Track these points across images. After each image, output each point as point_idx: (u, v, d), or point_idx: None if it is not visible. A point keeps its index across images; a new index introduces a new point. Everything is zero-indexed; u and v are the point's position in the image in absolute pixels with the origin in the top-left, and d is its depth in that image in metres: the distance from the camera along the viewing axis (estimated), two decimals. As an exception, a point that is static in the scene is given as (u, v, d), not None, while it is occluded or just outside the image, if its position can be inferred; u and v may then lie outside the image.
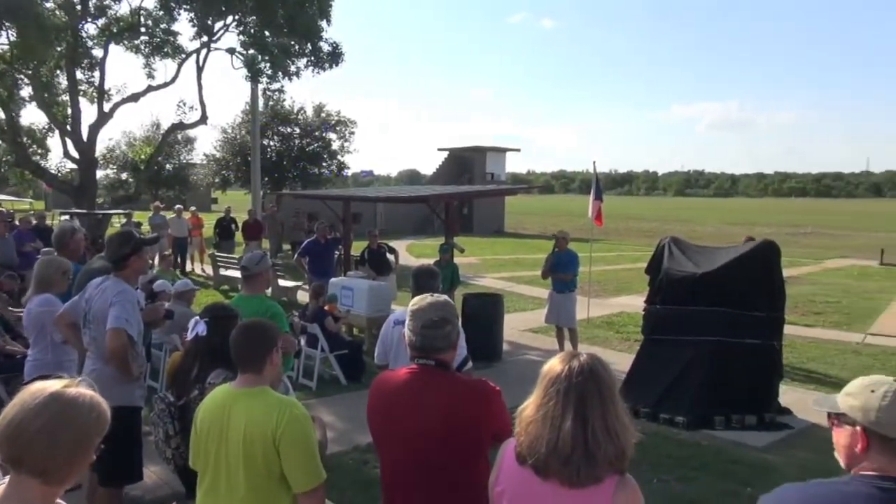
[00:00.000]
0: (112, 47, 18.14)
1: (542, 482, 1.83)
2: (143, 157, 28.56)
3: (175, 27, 18.40)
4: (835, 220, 51.02)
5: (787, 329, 7.60)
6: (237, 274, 11.51)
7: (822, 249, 26.66)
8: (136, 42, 18.24)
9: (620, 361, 7.94)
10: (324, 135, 27.87)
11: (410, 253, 22.69)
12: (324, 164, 28.24)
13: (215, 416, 2.50)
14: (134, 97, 18.68)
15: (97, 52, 18.32)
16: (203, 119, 19.35)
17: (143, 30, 18.11)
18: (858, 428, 1.65)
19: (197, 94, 18.89)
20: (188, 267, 16.97)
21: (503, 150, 38.94)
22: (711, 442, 6.06)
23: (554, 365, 1.90)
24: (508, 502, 1.94)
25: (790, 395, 7.28)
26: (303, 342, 7.72)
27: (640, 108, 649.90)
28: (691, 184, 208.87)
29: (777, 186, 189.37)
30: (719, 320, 6.67)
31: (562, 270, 8.86)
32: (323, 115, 28.12)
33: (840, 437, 1.70)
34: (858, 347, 10.02)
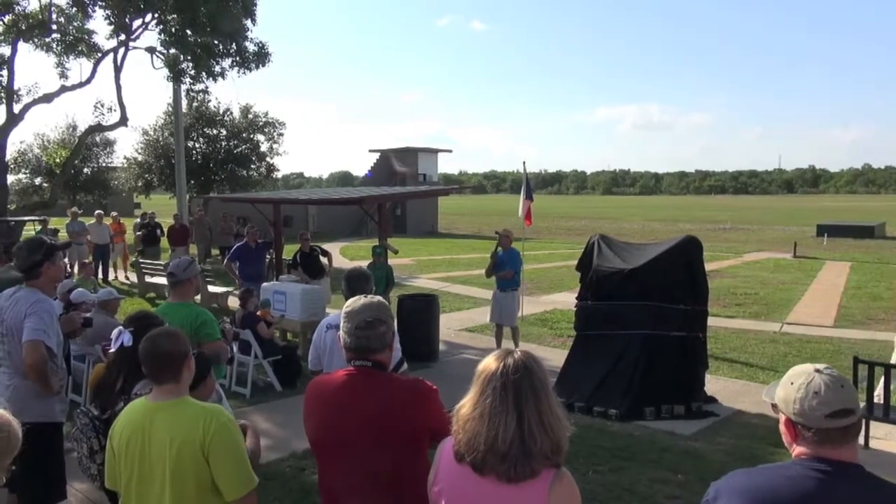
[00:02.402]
0: (21, 45, 17.21)
1: (479, 479, 1.85)
2: (58, 160, 27.22)
3: (90, 25, 17.62)
4: (751, 216, 53.54)
5: (711, 321, 7.92)
6: (163, 281, 11.15)
7: (740, 244, 27.91)
8: (47, 40, 17.38)
9: (554, 357, 8.11)
10: (252, 136, 27.28)
11: (344, 255, 22.48)
12: (252, 166, 27.63)
13: (133, 433, 2.42)
14: (46, 98, 17.77)
15: (4, 51, 17.33)
16: (123, 121, 18.60)
17: (54, 27, 17.26)
18: (784, 417, 1.76)
19: (115, 95, 18.16)
20: (111, 275, 16.32)
21: (435, 151, 39.08)
22: (643, 432, 6.26)
23: (489, 363, 1.92)
24: (447, 501, 1.94)
25: (715, 384, 7.60)
26: (235, 349, 7.55)
27: (567, 109, 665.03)
28: (618, 182, 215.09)
29: (698, 184, 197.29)
30: (647, 314, 6.88)
31: (502, 269, 8.96)
32: (250, 116, 27.52)
33: (780, 424, 1.79)
34: (776, 336, 10.54)
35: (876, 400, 6.17)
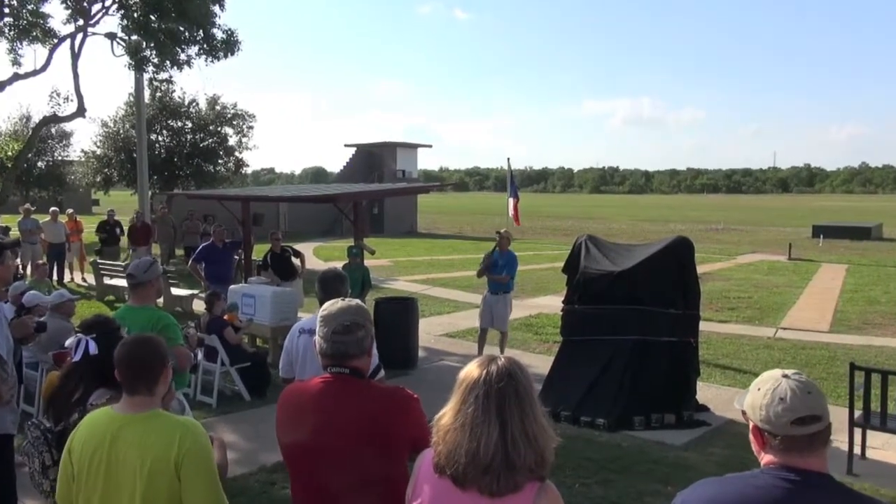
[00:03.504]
0: (-30, 30, 16.93)
1: (460, 493, 1.85)
2: (9, 153, 26.82)
3: (45, 8, 17.34)
4: (745, 216, 54.17)
5: (702, 325, 8.00)
6: (123, 283, 11.02)
7: (733, 245, 28.22)
8: (-1, 24, 17.12)
9: (540, 364, 8.14)
10: (219, 129, 27.06)
11: (317, 256, 22.38)
12: (220, 161, 27.40)
13: (97, 446, 2.36)
14: (-3, 86, 17.51)
15: (-50, 35, 17.04)
16: (80, 111, 18.36)
17: (6, 10, 17.00)
18: (751, 424, 1.79)
19: (73, 84, 17.92)
20: (66, 276, 16.11)
21: (414, 146, 39.08)
22: (632, 442, 6.30)
23: (471, 370, 1.92)
24: (427, 516, 1.94)
25: (707, 392, 7.67)
26: (200, 356, 7.48)
27: (553, 103, 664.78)
28: (606, 180, 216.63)
29: (689, 183, 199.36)
30: (637, 319, 6.93)
31: (498, 271, 8.95)
32: (218, 107, 27.29)
33: (749, 432, 1.83)
34: (770, 342, 10.67)
35: None
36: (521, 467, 1.80)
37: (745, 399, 1.81)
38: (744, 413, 1.82)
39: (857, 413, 5.89)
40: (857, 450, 5.84)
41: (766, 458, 1.76)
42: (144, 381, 2.43)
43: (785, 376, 1.75)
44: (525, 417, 1.83)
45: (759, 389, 1.77)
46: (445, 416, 1.90)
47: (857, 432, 5.86)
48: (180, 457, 2.29)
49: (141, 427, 2.36)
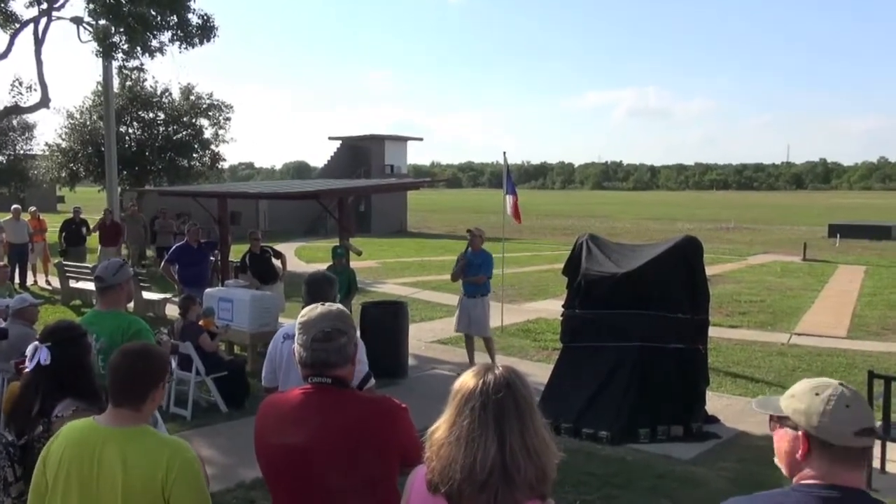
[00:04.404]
0: (-75, 13, 16.84)
1: (456, 512, 1.84)
2: (-33, 147, 26.73)
3: (6, -10, 17.30)
4: (757, 214, 54.45)
5: (712, 331, 8.02)
6: (91, 286, 10.97)
7: (744, 245, 28.35)
8: (-44, 8, 17.02)
9: (539, 373, 8.15)
10: (194, 121, 27.00)
11: (300, 257, 22.38)
12: (194, 155, 27.33)
13: (74, 458, 2.33)
14: (-46, 74, 17.43)
15: None
16: (44, 102, 18.31)
17: (-36, -7, 16.92)
18: (800, 432, 1.76)
19: (36, 72, 17.85)
20: (29, 279, 16.03)
21: (404, 140, 39.08)
22: (637, 456, 6.31)
23: (467, 380, 1.91)
24: (419, 536, 1.93)
25: (717, 402, 7.70)
26: (174, 364, 7.46)
27: (553, 93, 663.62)
28: (609, 176, 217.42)
29: (698, 179, 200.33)
30: (641, 324, 6.95)
31: (473, 272, 8.96)
32: (192, 97, 27.22)
33: (782, 441, 1.80)
34: (784, 349, 10.72)
35: None
36: (521, 484, 1.79)
37: (794, 404, 1.77)
38: (779, 418, 1.80)
39: (877, 424, 5.91)
40: (875, 463, 5.87)
41: (805, 472, 1.74)
42: (131, 396, 2.41)
43: (841, 384, 1.74)
44: (525, 430, 1.82)
45: (817, 394, 1.73)
46: (439, 429, 1.89)
47: (877, 445, 5.89)
48: (169, 478, 2.27)
49: (125, 443, 2.34)
